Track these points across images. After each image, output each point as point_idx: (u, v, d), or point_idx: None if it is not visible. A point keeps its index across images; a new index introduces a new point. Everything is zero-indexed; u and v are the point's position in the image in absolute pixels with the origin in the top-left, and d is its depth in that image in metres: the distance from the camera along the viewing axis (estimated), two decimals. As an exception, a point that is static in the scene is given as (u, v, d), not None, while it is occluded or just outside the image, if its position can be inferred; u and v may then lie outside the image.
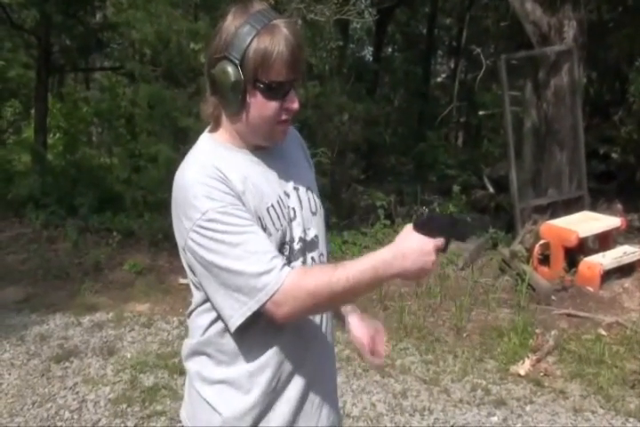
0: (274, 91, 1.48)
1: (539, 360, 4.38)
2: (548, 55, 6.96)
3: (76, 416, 3.67)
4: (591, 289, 5.36)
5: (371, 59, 16.95)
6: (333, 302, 1.52)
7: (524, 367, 4.28)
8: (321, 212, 1.72)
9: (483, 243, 6.48)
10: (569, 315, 5.05)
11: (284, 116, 1.52)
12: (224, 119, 1.58)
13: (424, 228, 1.45)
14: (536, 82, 7.32)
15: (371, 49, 18.12)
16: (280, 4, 7.47)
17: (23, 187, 8.70)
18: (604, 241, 5.89)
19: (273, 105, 1.49)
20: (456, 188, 7.69)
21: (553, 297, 5.32)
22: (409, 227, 1.47)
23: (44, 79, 9.89)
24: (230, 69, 1.46)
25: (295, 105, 1.52)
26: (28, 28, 10.74)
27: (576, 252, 5.67)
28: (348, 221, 7.57)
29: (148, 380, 4.12)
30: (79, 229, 7.17)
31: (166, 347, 4.61)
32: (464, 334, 4.84)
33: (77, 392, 3.94)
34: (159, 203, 6.66)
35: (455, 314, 5.08)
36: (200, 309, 1.61)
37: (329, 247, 1.82)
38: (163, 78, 7.42)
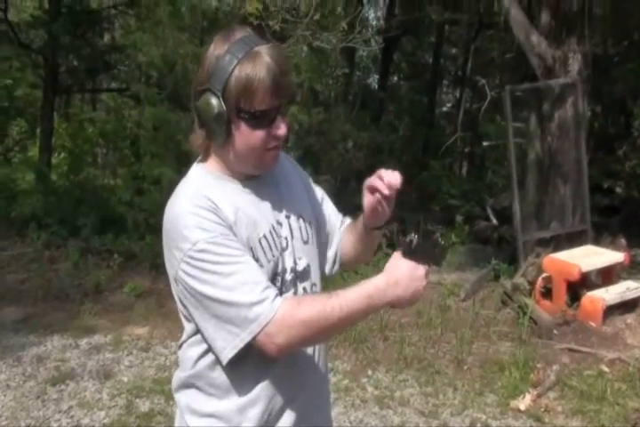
0: (258, 120, 1.47)
1: (539, 395, 4.33)
2: (552, 87, 6.99)
3: (69, 442, 3.63)
4: (593, 324, 5.31)
5: (376, 87, 17.07)
6: (328, 332, 1.51)
7: (524, 402, 4.23)
8: (313, 240, 1.70)
9: (485, 274, 6.45)
10: (571, 350, 5.00)
11: (272, 144, 1.51)
12: (213, 150, 1.58)
13: (413, 254, 1.46)
14: (540, 114, 7.35)
15: (376, 77, 18.25)
16: (286, 30, 7.55)
17: (26, 206, 8.69)
18: (607, 276, 5.86)
19: (259, 134, 1.48)
20: (459, 218, 7.69)
21: (555, 331, 5.28)
22: (397, 254, 1.48)
23: (51, 99, 9.97)
24: (213, 101, 1.45)
25: (282, 131, 1.50)
26: (35, 47, 10.83)
27: (579, 286, 5.63)
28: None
29: (143, 405, 4.08)
30: (80, 249, 7.15)
31: (163, 372, 4.57)
32: (464, 367, 4.79)
33: (72, 416, 3.90)
34: (161, 226, 6.59)
35: (456, 346, 5.04)
36: (191, 340, 1.59)
37: (322, 276, 1.79)
38: (168, 101, 7.46)
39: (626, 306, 5.53)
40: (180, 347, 1.65)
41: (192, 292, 1.46)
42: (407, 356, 4.90)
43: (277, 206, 1.63)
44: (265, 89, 1.43)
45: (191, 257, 1.44)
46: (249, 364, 1.51)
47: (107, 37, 13.30)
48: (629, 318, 5.45)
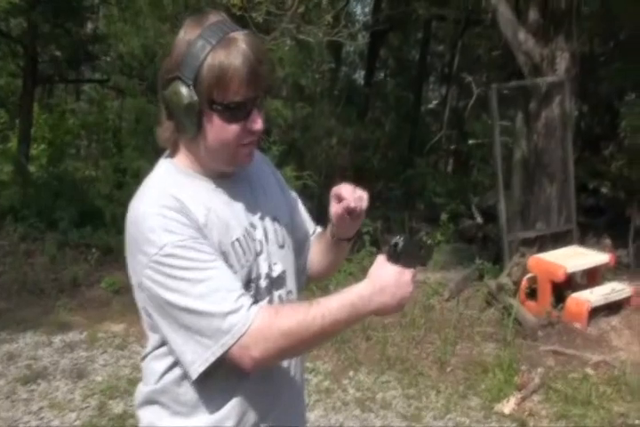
0: (233, 112, 1.35)
1: (524, 399, 4.25)
2: (539, 86, 6.91)
3: (38, 445, 3.50)
4: (578, 326, 5.24)
5: (362, 82, 16.95)
6: (308, 344, 1.38)
7: (508, 406, 4.14)
8: (289, 244, 1.58)
9: (469, 274, 6.37)
10: (555, 352, 4.92)
11: (247, 139, 1.40)
12: (182, 144, 1.45)
13: (398, 258, 1.36)
14: (527, 112, 7.28)
15: (362, 73, 18.14)
16: (270, 23, 7.42)
17: (4, 198, 8.53)
18: (593, 277, 5.80)
19: (233, 128, 1.36)
20: (444, 216, 7.59)
21: (539, 333, 5.20)
22: (382, 258, 1.37)
23: (30, 89, 9.74)
24: (183, 91, 1.33)
25: (258, 126, 1.39)
26: (15, 36, 10.59)
27: (564, 287, 5.56)
28: (333, 246, 7.42)
29: (117, 407, 3.95)
30: (58, 243, 6.99)
31: (139, 372, 4.42)
32: (448, 369, 4.70)
33: (42, 418, 3.76)
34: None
35: (439, 347, 4.95)
36: (156, 352, 1.46)
37: (301, 283, 1.67)
38: (149, 92, 7.31)
39: (611, 308, 5.47)
40: (143, 359, 1.52)
41: (158, 300, 1.34)
42: (390, 357, 4.80)
43: (251, 207, 1.51)
44: (240, 79, 1.31)
45: (157, 262, 1.31)
46: (220, 378, 1.38)
47: (90, 27, 13.07)
48: (614, 320, 5.38)
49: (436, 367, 4.73)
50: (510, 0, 7.43)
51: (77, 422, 3.74)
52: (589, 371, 4.66)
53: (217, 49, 1.30)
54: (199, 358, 1.32)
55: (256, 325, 1.30)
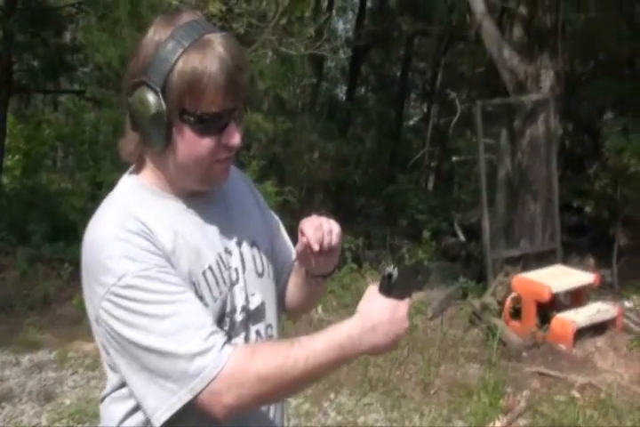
0: (207, 124, 1.18)
1: (510, 423, 4.11)
2: (524, 104, 6.88)
3: (0, 473, 3.29)
4: (563, 347, 5.13)
5: (344, 98, 16.94)
6: (288, 389, 1.21)
7: (494, 431, 4.01)
8: (269, 272, 1.41)
9: (453, 292, 6.25)
10: (541, 374, 4.80)
11: (222, 155, 1.23)
12: (148, 159, 1.28)
13: (392, 290, 1.20)
14: (511, 130, 7.24)
15: (344, 88, 18.14)
16: (251, 35, 7.32)
17: (-25, 209, 8.33)
18: (577, 297, 5.70)
19: (207, 142, 1.19)
20: (426, 233, 7.49)
21: (524, 353, 5.08)
22: (373, 290, 1.21)
23: (4, 98, 9.53)
24: (150, 98, 1.16)
25: (235, 141, 1.22)
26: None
27: (548, 307, 5.46)
28: (314, 262, 7.28)
29: (86, 431, 3.76)
30: (30, 258, 6.78)
31: (110, 393, 4.24)
32: (431, 391, 4.55)
33: (5, 444, 3.56)
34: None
35: (423, 368, 4.81)
36: (115, 395, 1.29)
37: (280, 316, 1.50)
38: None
39: (596, 329, 5.36)
40: (101, 401, 1.34)
41: (117, 338, 1.17)
42: (372, 378, 4.65)
43: (226, 231, 1.34)
44: (216, 87, 1.15)
45: (115, 294, 1.15)
46: (188, 423, 1.20)
47: (69, 37, 12.89)
48: (599, 341, 5.27)
49: (420, 389, 4.58)
50: (494, 16, 7.42)
51: (43, 449, 3.54)
52: (575, 394, 4.53)
53: (190, 52, 1.14)
54: (163, 404, 1.15)
55: (229, 368, 1.13)
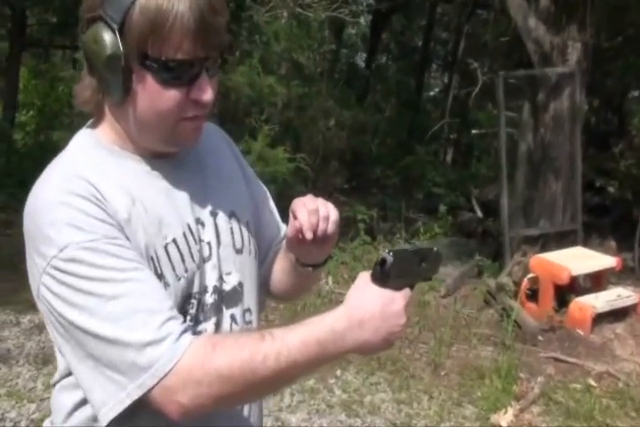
0: (172, 73, 0.98)
1: (522, 410, 3.95)
2: (548, 76, 6.59)
3: (-10, 440, 3.17)
4: (581, 332, 4.95)
5: (363, 65, 16.59)
6: (256, 390, 1.01)
7: (505, 418, 3.84)
8: (250, 248, 1.20)
9: (467, 270, 6.07)
10: (556, 359, 4.63)
11: (191, 112, 1.03)
12: (107, 110, 1.08)
13: (387, 278, 0.99)
14: (534, 104, 6.94)
15: (364, 55, 17.77)
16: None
17: (-15, 165, 8.24)
18: (597, 281, 5.50)
19: (172, 95, 1.00)
20: (442, 208, 7.27)
21: (540, 337, 4.91)
22: (365, 277, 1.01)
23: (17, 53, 9.29)
24: (106, 37, 0.96)
25: (207, 96, 1.02)
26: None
27: (567, 290, 5.27)
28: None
29: (83, 399, 3.61)
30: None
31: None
32: (442, 373, 4.39)
33: (-3, 408, 3.42)
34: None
35: (433, 348, 4.64)
36: (65, 382, 1.11)
37: (262, 300, 1.30)
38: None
39: (615, 315, 5.17)
40: (53, 387, 1.16)
41: (59, 318, 0.98)
42: (380, 356, 4.46)
43: (199, 198, 1.14)
44: (184, 29, 0.95)
45: (57, 268, 0.96)
46: (145, 420, 1.01)
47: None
48: (619, 328, 5.09)
49: (430, 370, 4.42)
50: (520, -17, 7.10)
51: (36, 415, 3.39)
52: (592, 382, 4.37)
53: None
54: (110, 400, 0.96)
55: (186, 362, 0.94)
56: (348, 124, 10.23)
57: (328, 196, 9.50)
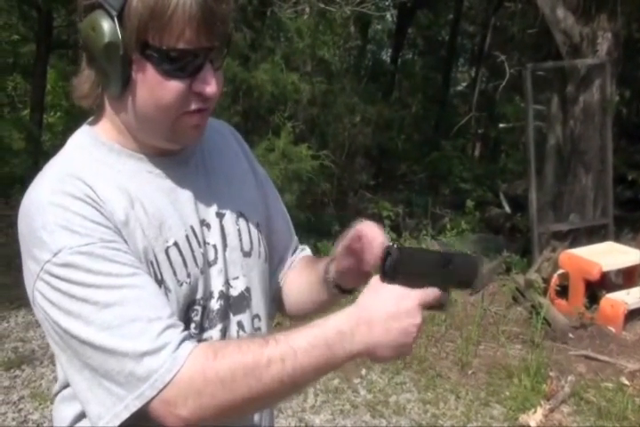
0: (175, 64, 0.93)
1: (552, 410, 3.85)
2: (578, 68, 6.45)
3: (12, 442, 3.16)
4: (613, 330, 4.83)
5: (389, 61, 16.47)
6: (260, 398, 0.93)
7: (535, 418, 3.74)
8: (259, 251, 1.14)
9: (495, 266, 5.95)
10: (587, 357, 4.52)
11: (194, 105, 0.97)
12: (108, 104, 1.03)
13: (397, 272, 0.93)
14: (563, 96, 6.80)
15: (390, 51, 17.65)
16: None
17: (14, 166, 8.30)
18: (629, 277, 5.36)
19: (174, 86, 0.94)
20: (470, 203, 7.15)
21: (570, 335, 4.80)
22: (375, 279, 0.95)
23: (44, 55, 9.34)
24: (104, 24, 0.91)
25: (211, 88, 0.96)
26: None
27: (597, 286, 5.14)
28: (352, 230, 7.04)
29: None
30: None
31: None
32: (469, 371, 4.31)
33: (20, 410, 3.42)
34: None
35: (460, 346, 4.56)
36: (65, 393, 1.06)
37: (272, 307, 1.23)
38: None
39: (648, 311, 5.04)
40: (53, 398, 1.12)
41: (54, 327, 0.94)
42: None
43: (204, 199, 1.08)
44: (187, 17, 0.90)
45: (51, 273, 0.92)
46: None
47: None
48: (652, 325, 4.96)
49: (457, 369, 4.34)
50: (547, -26, 6.95)
51: (59, 417, 3.39)
52: (624, 380, 4.25)
53: None
54: (108, 413, 0.91)
55: (186, 372, 0.89)
56: (373, 121, 10.14)
57: (354, 192, 9.48)
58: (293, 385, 0.93)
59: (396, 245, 0.96)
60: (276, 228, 1.26)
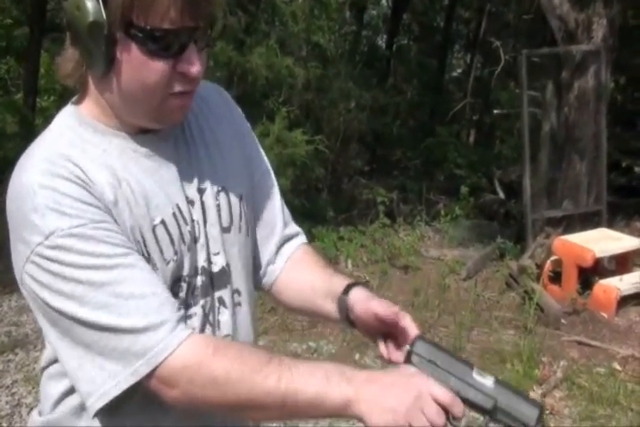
0: (159, 43, 0.92)
1: (544, 395, 3.88)
2: (573, 54, 6.43)
3: (5, 424, 3.16)
4: (605, 315, 4.86)
5: (384, 46, 16.40)
6: (246, 408, 0.94)
7: (527, 402, 3.77)
8: (239, 225, 1.13)
9: (489, 252, 5.98)
10: (580, 343, 4.54)
11: (178, 86, 0.96)
12: (92, 84, 1.02)
13: (410, 355, 0.98)
14: (558, 83, 6.79)
15: (385, 37, 17.55)
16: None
17: (7, 150, 8.23)
18: (622, 263, 5.38)
19: (158, 66, 0.94)
20: (464, 189, 7.15)
21: (563, 321, 4.82)
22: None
23: (37, 38, 9.26)
24: (88, 3, 0.90)
25: (194, 69, 0.95)
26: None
27: (590, 272, 5.16)
28: (347, 215, 7.05)
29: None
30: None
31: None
32: (462, 356, 4.32)
33: (14, 393, 3.44)
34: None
35: (453, 332, 4.58)
36: (52, 370, 1.07)
37: (253, 282, 1.22)
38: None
39: (641, 298, 5.07)
40: (40, 374, 1.12)
41: (44, 307, 0.94)
42: (399, 340, 4.43)
43: (188, 175, 1.08)
44: None
45: (42, 256, 0.92)
46: (132, 411, 0.99)
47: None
48: (644, 311, 4.99)
49: (450, 354, 4.36)
50: (543, -41, 6.92)
51: (53, 401, 3.40)
52: (616, 366, 4.28)
53: None
54: (99, 389, 0.92)
55: (182, 356, 0.91)
56: (368, 106, 10.12)
57: (349, 178, 9.48)
58: (281, 406, 0.93)
59: (422, 337, 1.03)
60: (263, 206, 1.24)
